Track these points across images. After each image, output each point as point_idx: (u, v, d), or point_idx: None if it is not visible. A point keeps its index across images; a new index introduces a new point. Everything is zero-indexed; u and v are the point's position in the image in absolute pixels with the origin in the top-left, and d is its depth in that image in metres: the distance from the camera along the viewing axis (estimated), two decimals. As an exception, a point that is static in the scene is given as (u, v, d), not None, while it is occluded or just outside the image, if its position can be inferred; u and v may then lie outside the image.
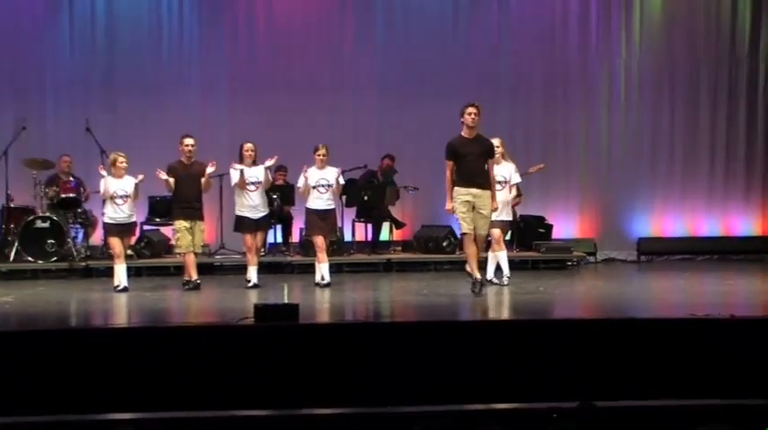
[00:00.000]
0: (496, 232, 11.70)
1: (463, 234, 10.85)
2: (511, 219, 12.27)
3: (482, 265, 11.28)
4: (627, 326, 8.49)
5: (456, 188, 10.73)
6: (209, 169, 11.86)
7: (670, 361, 8.05)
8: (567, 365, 8.00)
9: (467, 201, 10.63)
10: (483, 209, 10.68)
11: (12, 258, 13.50)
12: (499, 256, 11.87)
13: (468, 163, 10.72)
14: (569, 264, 14.47)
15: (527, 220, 14.93)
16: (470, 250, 10.76)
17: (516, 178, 12.09)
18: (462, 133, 10.83)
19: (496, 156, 11.44)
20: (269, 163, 11.96)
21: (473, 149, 10.73)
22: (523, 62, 15.83)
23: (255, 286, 11.81)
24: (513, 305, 11.13)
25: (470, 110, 10.76)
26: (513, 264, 14.05)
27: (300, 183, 12.02)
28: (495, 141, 11.53)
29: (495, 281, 11.79)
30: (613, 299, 11.43)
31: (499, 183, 11.50)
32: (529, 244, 14.65)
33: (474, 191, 10.66)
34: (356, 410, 7.61)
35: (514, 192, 12.18)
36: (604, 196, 15.99)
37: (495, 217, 11.15)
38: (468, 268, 10.83)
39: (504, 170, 11.89)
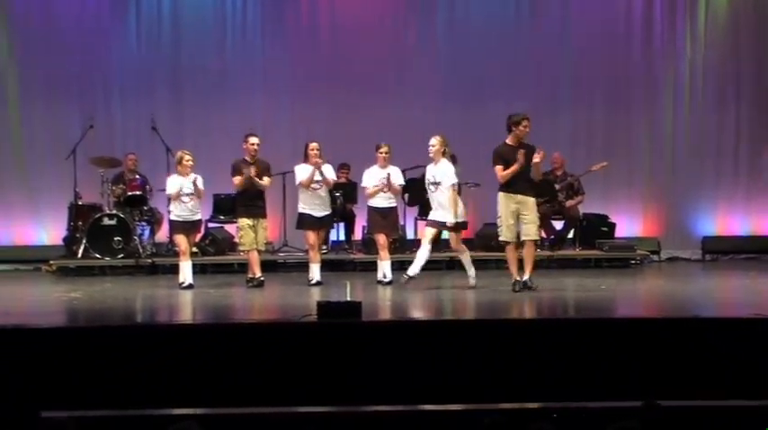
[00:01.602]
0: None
1: (503, 242, 11.06)
2: (447, 220, 11.46)
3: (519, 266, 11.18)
4: (691, 325, 8.39)
5: (500, 193, 10.94)
6: (252, 171, 11.75)
7: (735, 360, 7.94)
8: (630, 364, 7.92)
9: (511, 210, 10.83)
10: (526, 215, 10.85)
11: (80, 255, 13.66)
12: (462, 258, 11.70)
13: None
14: (632, 262, 14.29)
15: (590, 219, 14.80)
16: (510, 256, 11.05)
17: (452, 180, 11.44)
18: (507, 141, 10.96)
19: (431, 155, 11.50)
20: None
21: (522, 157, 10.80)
22: (586, 62, 15.65)
23: (318, 283, 11.84)
24: (575, 303, 11.09)
25: (526, 123, 10.89)
26: (575, 263, 14.08)
27: (368, 183, 12.01)
28: (433, 140, 11.54)
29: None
30: (677, 297, 11.29)
31: (433, 184, 11.50)
32: (592, 242, 14.51)
33: (518, 197, 10.83)
34: (417, 408, 7.59)
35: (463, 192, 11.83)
36: (668, 194, 15.78)
37: (430, 216, 11.62)
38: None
39: (439, 171, 11.47)
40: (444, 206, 11.40)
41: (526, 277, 10.98)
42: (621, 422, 5.48)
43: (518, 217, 10.88)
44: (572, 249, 14.43)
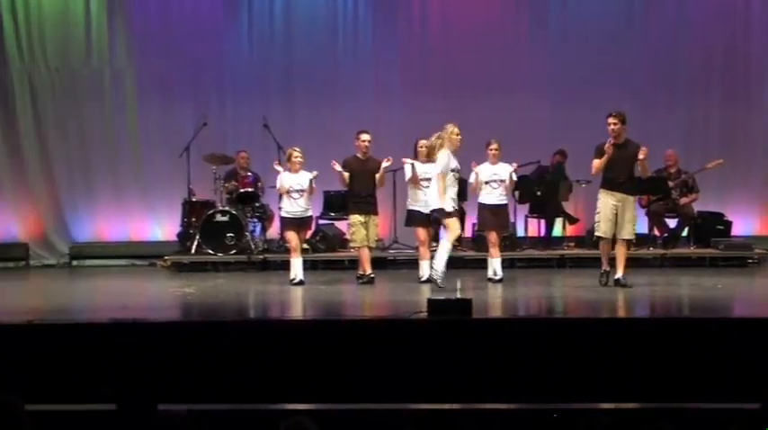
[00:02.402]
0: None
1: (599, 237, 11.17)
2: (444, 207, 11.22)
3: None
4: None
5: (601, 190, 11.09)
6: (385, 163, 11.96)
7: None
8: (749, 365, 7.76)
9: (611, 205, 10.92)
10: (626, 213, 10.93)
11: (193, 250, 13.88)
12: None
13: (613, 167, 10.91)
14: (750, 261, 13.96)
15: (705, 217, 14.52)
16: (603, 249, 11.17)
17: (438, 169, 11.21)
18: (610, 138, 10.98)
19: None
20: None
21: (619, 154, 10.85)
22: (701, 58, 15.36)
23: (428, 280, 11.84)
24: (690, 302, 10.90)
25: (609, 120, 10.98)
26: (689, 262, 13.83)
27: (472, 179, 12.08)
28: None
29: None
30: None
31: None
32: (707, 241, 14.23)
33: (618, 196, 10.92)
34: (529, 406, 7.55)
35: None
36: (788, 192, 15.42)
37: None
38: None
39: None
40: (435, 196, 11.16)
41: (619, 275, 11.02)
42: (740, 423, 5.37)
43: (616, 214, 10.92)
44: (686, 248, 14.18)
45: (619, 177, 10.90)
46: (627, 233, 10.98)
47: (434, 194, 11.12)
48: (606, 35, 15.32)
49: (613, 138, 10.90)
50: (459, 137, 11.27)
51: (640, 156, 10.79)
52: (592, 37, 15.30)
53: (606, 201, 10.95)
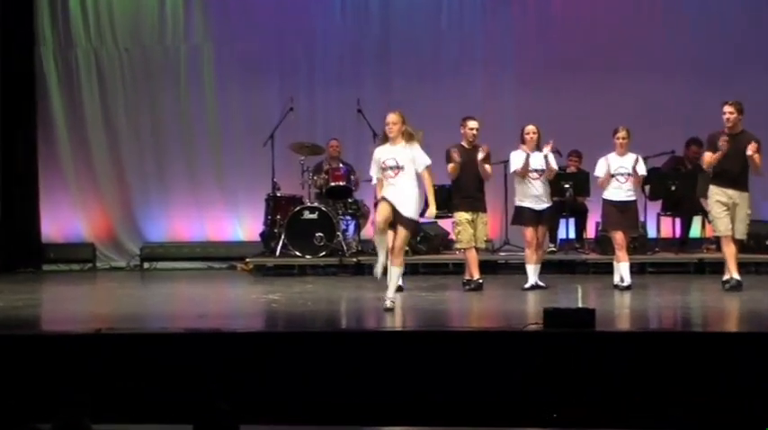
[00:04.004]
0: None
1: (721, 235, 11.31)
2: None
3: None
4: None
5: (711, 187, 11.28)
6: (480, 155, 11.86)
7: None
8: None
9: (723, 202, 11.14)
10: (739, 212, 11.17)
11: (278, 252, 14.01)
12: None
13: (726, 160, 11.07)
14: None
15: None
16: (728, 250, 11.24)
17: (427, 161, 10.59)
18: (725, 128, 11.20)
19: (390, 134, 10.58)
20: (546, 150, 11.92)
21: (734, 146, 10.99)
22: None
23: (538, 286, 11.80)
24: None
25: (724, 109, 11.20)
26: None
27: (600, 172, 11.93)
28: (393, 116, 10.65)
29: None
30: None
31: (392, 169, 10.35)
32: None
33: (730, 192, 11.16)
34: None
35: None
36: None
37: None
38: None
39: (402, 153, 10.47)
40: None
41: (727, 277, 11.30)
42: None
43: (729, 211, 11.16)
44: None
45: (731, 171, 11.11)
46: (738, 233, 11.21)
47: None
48: (747, 14, 15.06)
49: (728, 128, 11.05)
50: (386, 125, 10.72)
51: (749, 152, 10.94)
52: (731, 15, 15.04)
53: (717, 200, 11.18)
